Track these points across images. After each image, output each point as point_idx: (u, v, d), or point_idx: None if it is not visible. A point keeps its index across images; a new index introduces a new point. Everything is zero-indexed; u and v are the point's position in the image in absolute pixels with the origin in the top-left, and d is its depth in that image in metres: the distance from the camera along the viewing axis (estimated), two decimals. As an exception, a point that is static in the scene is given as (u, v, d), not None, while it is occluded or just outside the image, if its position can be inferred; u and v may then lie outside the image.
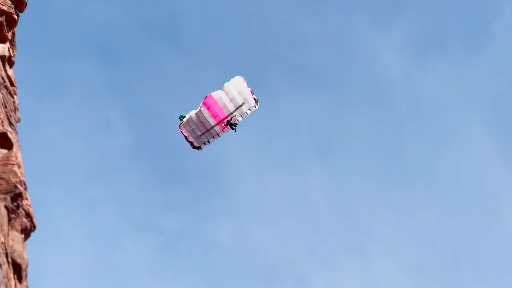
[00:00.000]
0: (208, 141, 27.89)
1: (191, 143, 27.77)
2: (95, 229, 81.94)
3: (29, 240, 11.20)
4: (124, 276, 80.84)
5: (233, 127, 29.64)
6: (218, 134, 27.49)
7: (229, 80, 26.31)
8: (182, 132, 27.83)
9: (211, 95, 26.29)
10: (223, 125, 27.04)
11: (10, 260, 9.70)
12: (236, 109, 26.68)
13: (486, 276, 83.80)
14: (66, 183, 77.12)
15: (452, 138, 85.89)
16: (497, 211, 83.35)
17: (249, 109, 27.18)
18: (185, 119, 27.26)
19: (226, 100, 26.66)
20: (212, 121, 27.06)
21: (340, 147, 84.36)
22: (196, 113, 26.76)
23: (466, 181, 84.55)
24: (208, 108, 26.73)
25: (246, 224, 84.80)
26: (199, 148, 28.11)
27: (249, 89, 26.58)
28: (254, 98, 26.64)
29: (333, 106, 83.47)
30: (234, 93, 26.32)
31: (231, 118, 26.93)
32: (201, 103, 26.58)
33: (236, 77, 26.72)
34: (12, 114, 11.96)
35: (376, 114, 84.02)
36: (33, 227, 11.05)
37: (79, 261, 77.63)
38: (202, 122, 27.21)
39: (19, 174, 10.53)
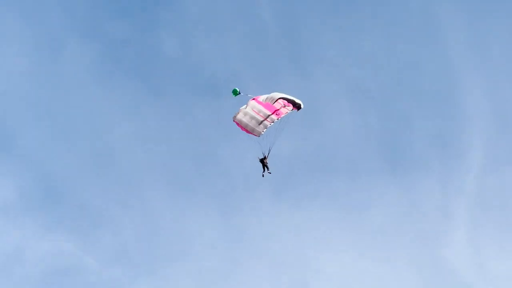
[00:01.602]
0: (266, 128, 33.28)
1: (250, 133, 33.59)
2: (39, 32, 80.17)
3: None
4: (67, 82, 79.14)
5: (267, 167, 35.16)
6: (273, 121, 33.09)
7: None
8: (237, 124, 33.71)
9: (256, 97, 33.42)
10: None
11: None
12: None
13: (425, 104, 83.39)
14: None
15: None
16: (443, 41, 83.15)
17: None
18: (239, 116, 33.41)
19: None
20: (267, 112, 33.17)
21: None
22: (248, 108, 33.32)
23: (415, 9, 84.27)
24: (259, 103, 33.20)
25: (191, 37, 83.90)
26: (259, 135, 33.46)
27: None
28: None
29: None
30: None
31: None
32: (250, 100, 33.39)
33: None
34: None
35: None
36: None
37: (22, 65, 76.02)
38: (257, 113, 33.21)
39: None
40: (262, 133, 33.39)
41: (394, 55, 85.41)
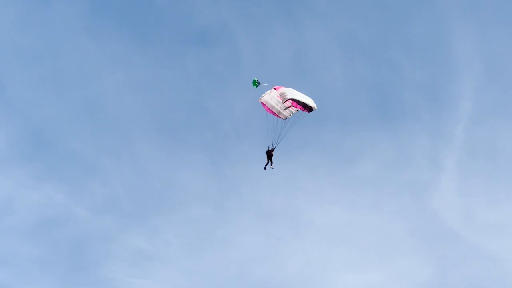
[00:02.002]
0: (292, 113, 34.67)
1: (276, 115, 34.85)
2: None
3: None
4: (56, 31, 79.62)
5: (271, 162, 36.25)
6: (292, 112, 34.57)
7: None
8: (263, 105, 34.80)
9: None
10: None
11: None
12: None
13: (415, 54, 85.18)
14: None
15: None
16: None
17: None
18: (266, 97, 34.59)
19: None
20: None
21: None
22: (274, 93, 34.63)
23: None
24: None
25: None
26: (285, 118, 34.64)
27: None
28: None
29: None
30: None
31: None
32: (273, 88, 34.42)
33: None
34: None
35: None
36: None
37: (11, 14, 76.58)
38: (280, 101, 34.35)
39: None
40: (289, 117, 34.52)
41: (384, 4, 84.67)
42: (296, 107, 34.29)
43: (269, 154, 36.35)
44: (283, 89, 34.36)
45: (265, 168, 36.69)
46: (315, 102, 33.92)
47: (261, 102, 34.85)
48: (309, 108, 34.31)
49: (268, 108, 34.97)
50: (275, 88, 34.67)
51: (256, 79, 34.32)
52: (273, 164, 36.71)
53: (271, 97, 34.56)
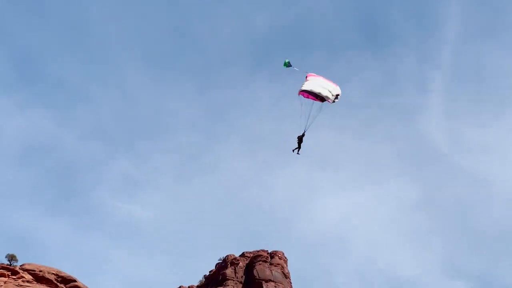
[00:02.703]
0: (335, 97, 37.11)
1: (321, 101, 37.11)
2: None
3: None
4: None
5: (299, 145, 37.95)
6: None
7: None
8: (304, 95, 36.33)
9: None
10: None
11: None
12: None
13: None
14: None
15: None
16: None
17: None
18: (309, 87, 36.52)
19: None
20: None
21: None
22: (315, 81, 37.22)
23: None
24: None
25: None
26: (332, 101, 37.15)
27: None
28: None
29: None
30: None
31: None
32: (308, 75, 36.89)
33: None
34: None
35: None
36: None
37: None
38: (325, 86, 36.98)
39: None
40: (336, 101, 36.77)
41: None
42: (308, 97, 36.34)
43: (300, 139, 37.86)
44: (312, 77, 36.73)
45: (293, 151, 38.55)
46: None
47: (302, 94, 36.54)
48: (321, 99, 36.48)
49: (312, 97, 36.82)
50: (310, 75, 36.87)
51: (287, 60, 36.26)
52: (299, 151, 38.54)
53: (314, 84, 36.54)
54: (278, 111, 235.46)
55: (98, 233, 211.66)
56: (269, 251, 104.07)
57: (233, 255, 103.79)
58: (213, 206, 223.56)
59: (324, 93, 36.65)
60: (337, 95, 36.66)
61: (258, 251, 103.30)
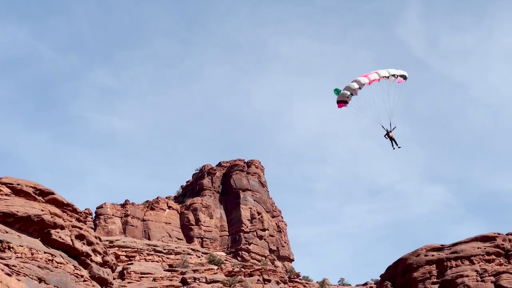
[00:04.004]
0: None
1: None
2: None
3: None
4: None
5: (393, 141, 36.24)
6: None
7: None
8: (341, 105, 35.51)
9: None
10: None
11: None
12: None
13: None
14: None
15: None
16: None
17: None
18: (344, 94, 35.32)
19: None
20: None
21: None
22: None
23: None
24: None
25: None
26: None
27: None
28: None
29: None
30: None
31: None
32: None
33: None
34: None
35: None
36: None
37: None
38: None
39: None
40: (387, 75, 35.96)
41: None
42: (343, 106, 36.06)
43: (389, 136, 36.70)
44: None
45: (394, 148, 37.09)
46: None
47: (340, 105, 36.09)
48: (351, 94, 35.91)
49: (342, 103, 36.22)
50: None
51: (338, 89, 35.88)
52: (398, 143, 37.03)
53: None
54: (256, 17, 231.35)
55: (77, 145, 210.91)
56: (246, 161, 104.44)
57: (210, 165, 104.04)
58: (192, 116, 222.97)
59: (350, 91, 35.77)
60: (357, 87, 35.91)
61: (234, 161, 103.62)
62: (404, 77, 35.17)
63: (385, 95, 34.14)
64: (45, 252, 36.27)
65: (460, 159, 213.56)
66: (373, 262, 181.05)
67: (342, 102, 35.57)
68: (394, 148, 36.46)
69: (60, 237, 38.09)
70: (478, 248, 46.63)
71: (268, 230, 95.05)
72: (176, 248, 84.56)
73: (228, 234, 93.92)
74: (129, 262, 75.41)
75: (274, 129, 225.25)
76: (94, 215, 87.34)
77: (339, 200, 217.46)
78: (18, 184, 40.93)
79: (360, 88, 34.78)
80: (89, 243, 40.78)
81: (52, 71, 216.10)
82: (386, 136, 36.43)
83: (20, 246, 35.99)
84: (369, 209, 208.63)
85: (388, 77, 34.84)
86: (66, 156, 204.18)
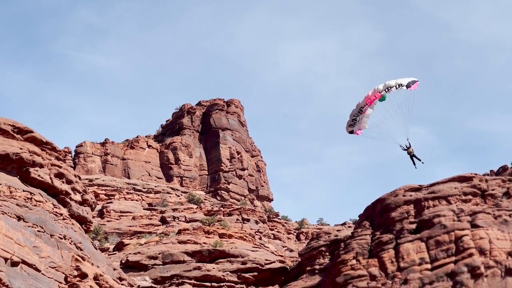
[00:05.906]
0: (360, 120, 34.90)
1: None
2: None
3: None
4: None
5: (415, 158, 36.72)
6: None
7: None
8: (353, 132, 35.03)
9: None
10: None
11: None
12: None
13: None
14: None
15: None
16: None
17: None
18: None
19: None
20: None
21: None
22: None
23: None
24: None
25: None
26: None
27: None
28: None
29: None
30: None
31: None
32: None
33: None
34: None
35: None
36: None
37: None
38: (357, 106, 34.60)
39: None
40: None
41: None
42: (359, 131, 35.44)
43: (409, 153, 36.13)
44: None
45: (416, 167, 36.80)
46: None
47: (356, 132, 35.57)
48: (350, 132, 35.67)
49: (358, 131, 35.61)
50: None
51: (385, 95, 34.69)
52: (420, 159, 36.39)
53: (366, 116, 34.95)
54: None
55: (59, 83, 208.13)
56: (225, 100, 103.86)
57: (189, 104, 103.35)
58: (176, 55, 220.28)
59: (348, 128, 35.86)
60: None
61: (214, 100, 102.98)
62: (413, 82, 34.42)
63: (396, 109, 33.91)
64: (23, 190, 35.95)
65: (443, 100, 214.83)
66: (353, 203, 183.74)
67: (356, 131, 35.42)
68: (416, 167, 36.72)
69: (39, 175, 37.72)
70: (455, 188, 47.09)
71: (247, 169, 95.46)
72: (155, 187, 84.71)
73: (207, 173, 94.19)
74: (109, 201, 75.51)
75: (257, 69, 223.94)
76: (73, 153, 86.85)
77: (322, 141, 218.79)
78: (-5, 122, 40.28)
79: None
80: (69, 182, 40.47)
81: (35, 8, 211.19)
82: (406, 152, 36.07)
83: (-2, 184, 35.73)
84: (351, 150, 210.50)
85: (397, 87, 34.14)
86: (48, 94, 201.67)
